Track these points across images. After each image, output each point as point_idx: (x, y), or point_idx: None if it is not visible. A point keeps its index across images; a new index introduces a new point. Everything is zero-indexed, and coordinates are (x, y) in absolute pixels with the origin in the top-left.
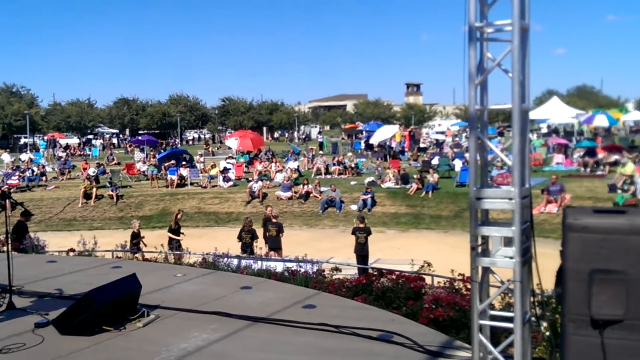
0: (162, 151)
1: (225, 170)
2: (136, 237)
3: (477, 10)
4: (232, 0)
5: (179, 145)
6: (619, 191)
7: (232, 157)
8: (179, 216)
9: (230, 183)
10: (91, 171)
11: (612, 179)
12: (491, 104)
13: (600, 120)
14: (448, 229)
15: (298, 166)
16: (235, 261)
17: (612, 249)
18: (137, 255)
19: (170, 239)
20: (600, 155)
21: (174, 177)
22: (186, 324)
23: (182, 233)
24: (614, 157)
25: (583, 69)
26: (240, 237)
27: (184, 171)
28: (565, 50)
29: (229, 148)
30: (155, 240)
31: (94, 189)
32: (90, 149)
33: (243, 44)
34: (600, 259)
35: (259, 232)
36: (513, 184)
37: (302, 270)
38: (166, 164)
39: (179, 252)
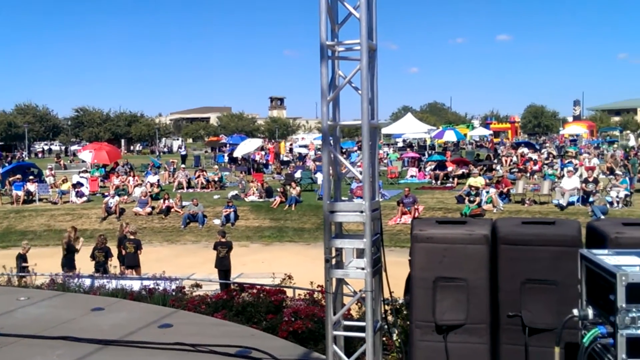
0: (7, 164)
1: (78, 185)
2: (23, 260)
3: (328, 29)
4: (83, 5)
5: (27, 158)
6: (466, 202)
7: (87, 171)
8: (72, 235)
9: (84, 198)
10: None
11: (460, 190)
12: (348, 120)
13: (450, 136)
14: (310, 241)
15: (158, 180)
16: (87, 281)
17: (454, 257)
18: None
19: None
20: (450, 168)
21: (20, 193)
22: (28, 351)
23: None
24: (462, 170)
25: (434, 87)
26: (93, 256)
27: (31, 186)
28: (419, 69)
29: (83, 161)
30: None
31: None
32: None
33: (98, 52)
34: (444, 267)
35: (114, 250)
36: (364, 197)
37: (161, 288)
38: (11, 179)
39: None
